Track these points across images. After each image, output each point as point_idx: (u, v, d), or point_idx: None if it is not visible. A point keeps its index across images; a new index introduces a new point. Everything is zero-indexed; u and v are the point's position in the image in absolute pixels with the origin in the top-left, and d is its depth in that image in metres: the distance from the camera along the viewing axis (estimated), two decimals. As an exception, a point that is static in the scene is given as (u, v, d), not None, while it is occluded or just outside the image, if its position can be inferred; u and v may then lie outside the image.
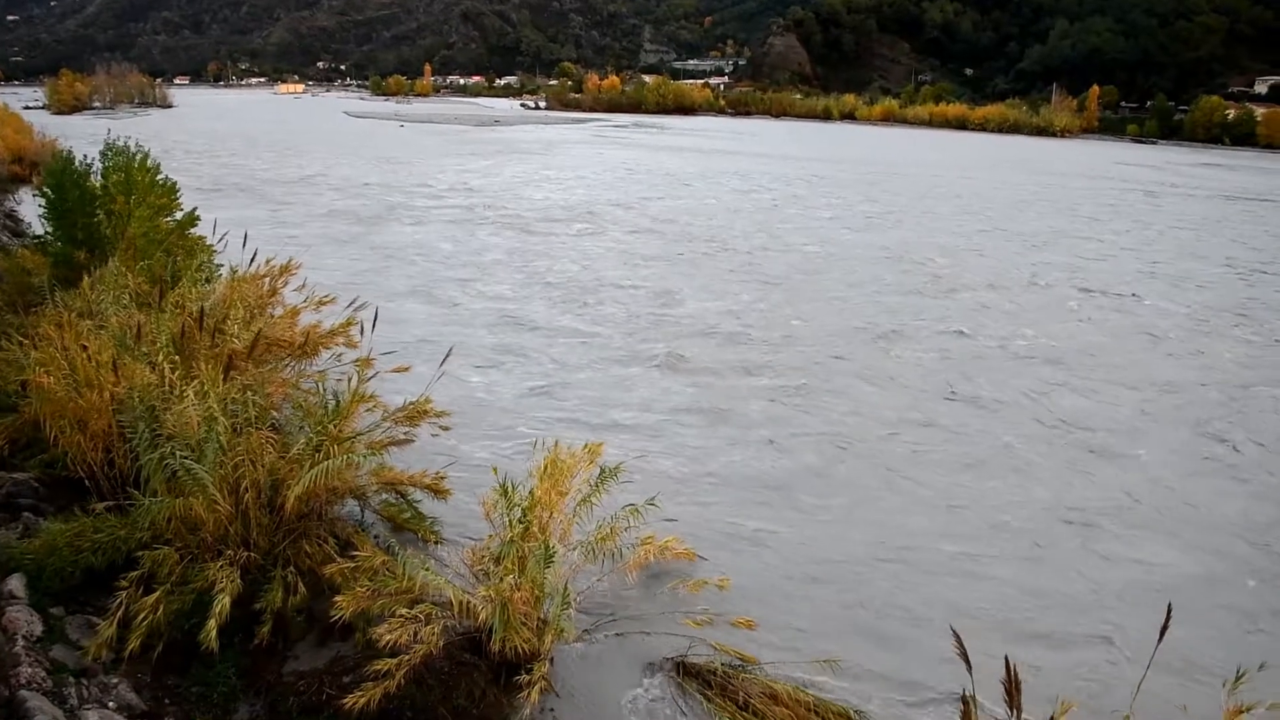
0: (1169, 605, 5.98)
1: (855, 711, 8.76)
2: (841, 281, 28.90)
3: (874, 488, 14.04)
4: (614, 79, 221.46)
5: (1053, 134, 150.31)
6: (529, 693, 7.98)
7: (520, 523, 9.24)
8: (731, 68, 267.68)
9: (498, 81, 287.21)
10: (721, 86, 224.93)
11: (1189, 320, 26.10)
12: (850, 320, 24.13)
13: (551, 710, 8.60)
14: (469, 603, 8.61)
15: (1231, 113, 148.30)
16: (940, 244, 37.14)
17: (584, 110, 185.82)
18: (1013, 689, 5.15)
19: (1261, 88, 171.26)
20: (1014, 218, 46.46)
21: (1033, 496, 13.94)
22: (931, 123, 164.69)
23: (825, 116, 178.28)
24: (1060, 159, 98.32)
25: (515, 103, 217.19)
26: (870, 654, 9.76)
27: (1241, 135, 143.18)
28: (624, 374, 18.94)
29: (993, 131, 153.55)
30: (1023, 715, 5.27)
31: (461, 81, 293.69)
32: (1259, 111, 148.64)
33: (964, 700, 4.61)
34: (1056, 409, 17.99)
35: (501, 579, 8.69)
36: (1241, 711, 5.56)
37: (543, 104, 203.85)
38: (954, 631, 5.34)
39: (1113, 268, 33.52)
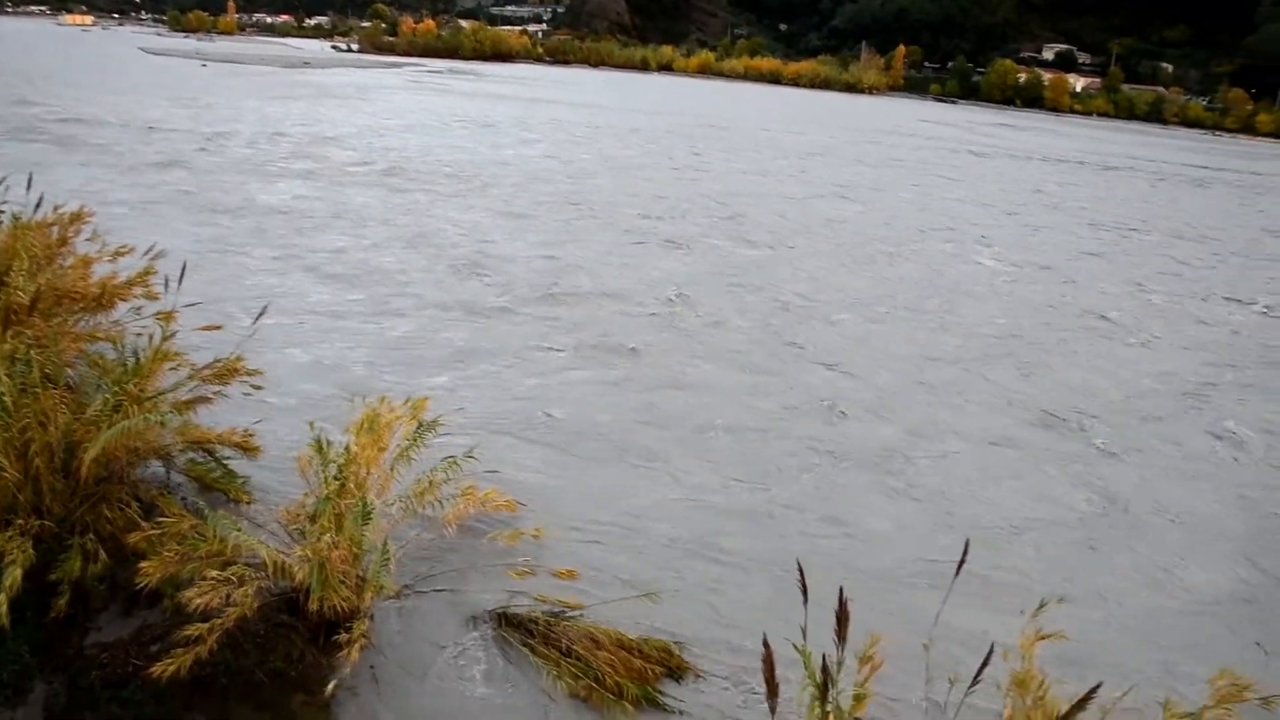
0: (966, 540, 6.33)
1: (675, 643, 9.02)
2: (715, 237, 29.25)
3: (697, 434, 14.37)
4: (429, 23, 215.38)
5: (861, 90, 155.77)
6: (349, 651, 7.86)
7: (336, 479, 9.03)
8: (549, 15, 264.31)
9: (307, 21, 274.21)
10: (540, 34, 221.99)
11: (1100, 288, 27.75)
12: (719, 279, 24.39)
13: (372, 667, 8.51)
14: (285, 563, 8.38)
15: (1023, 76, 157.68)
16: (795, 197, 38.12)
17: (398, 54, 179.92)
18: (842, 618, 5.37)
19: (1049, 54, 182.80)
20: (876, 179, 47.98)
21: (853, 435, 14.58)
22: (747, 76, 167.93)
23: (643, 67, 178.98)
24: (878, 116, 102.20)
25: (325, 44, 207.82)
26: (691, 595, 10.04)
27: (1031, 98, 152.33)
28: (466, 329, 18.67)
29: (805, 87, 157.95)
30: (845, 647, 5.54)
31: (269, 20, 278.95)
32: (1046, 76, 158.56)
33: (764, 643, 4.75)
34: (908, 366, 18.85)
35: (318, 538, 8.49)
36: (1041, 638, 5.97)
37: (355, 46, 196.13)
38: (798, 564, 5.53)
39: (997, 230, 35.27)
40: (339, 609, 8.33)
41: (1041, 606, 5.94)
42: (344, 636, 8.01)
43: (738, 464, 13.48)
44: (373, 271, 22.61)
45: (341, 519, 8.64)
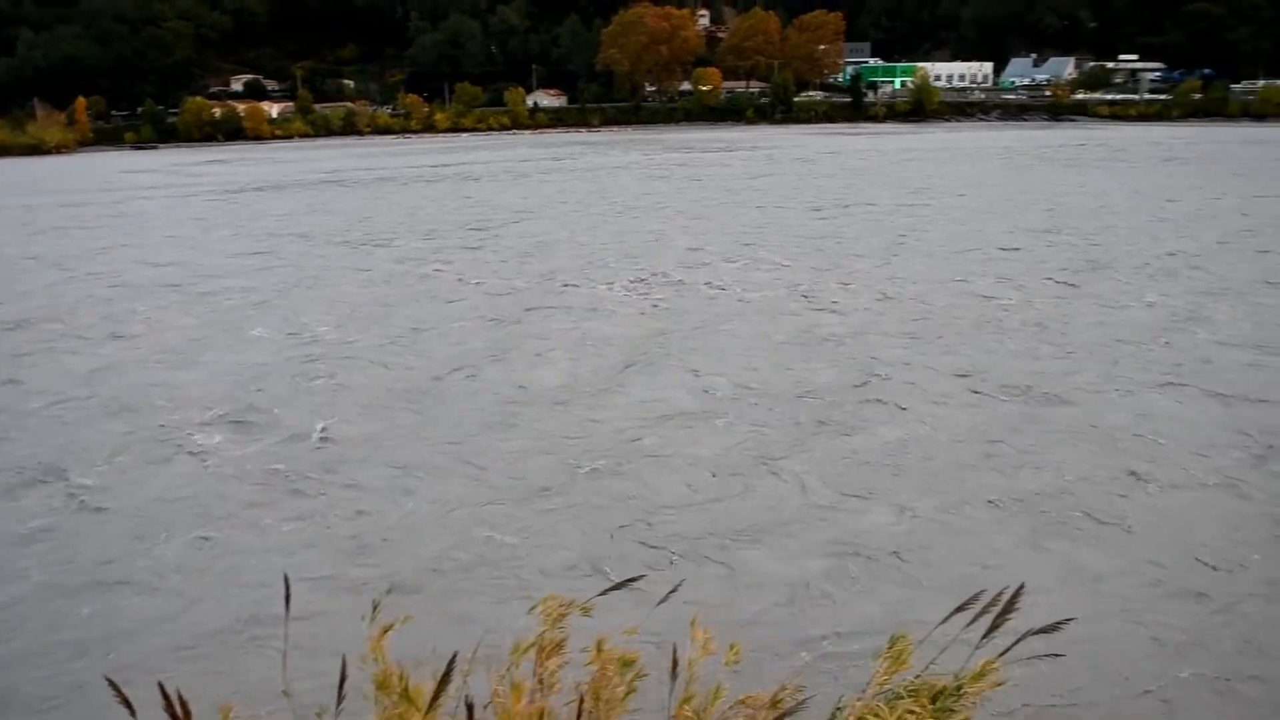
0: (285, 588, 6.24)
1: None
2: None
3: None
4: None
5: (49, 151, 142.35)
6: None
7: None
8: None
9: None
10: None
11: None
12: None
13: None
14: None
15: (218, 111, 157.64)
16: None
17: None
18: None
19: (238, 85, 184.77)
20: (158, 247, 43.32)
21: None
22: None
23: None
24: (85, 176, 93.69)
25: None
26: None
27: (232, 130, 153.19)
28: None
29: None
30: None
31: None
32: (241, 108, 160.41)
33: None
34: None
35: None
36: (387, 629, 6.13)
37: None
38: (109, 681, 5.00)
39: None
40: None
41: (376, 608, 6.14)
42: None
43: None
44: None
45: None
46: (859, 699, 3.74)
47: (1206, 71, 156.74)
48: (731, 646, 4.01)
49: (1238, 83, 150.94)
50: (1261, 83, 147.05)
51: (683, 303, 25.72)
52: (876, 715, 3.56)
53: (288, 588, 5.41)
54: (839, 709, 3.79)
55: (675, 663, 3.88)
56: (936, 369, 18.98)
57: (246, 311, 26.53)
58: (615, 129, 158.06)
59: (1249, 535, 11.68)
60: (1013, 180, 59.59)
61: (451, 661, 3.94)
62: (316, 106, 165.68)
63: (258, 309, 26.82)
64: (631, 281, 28.80)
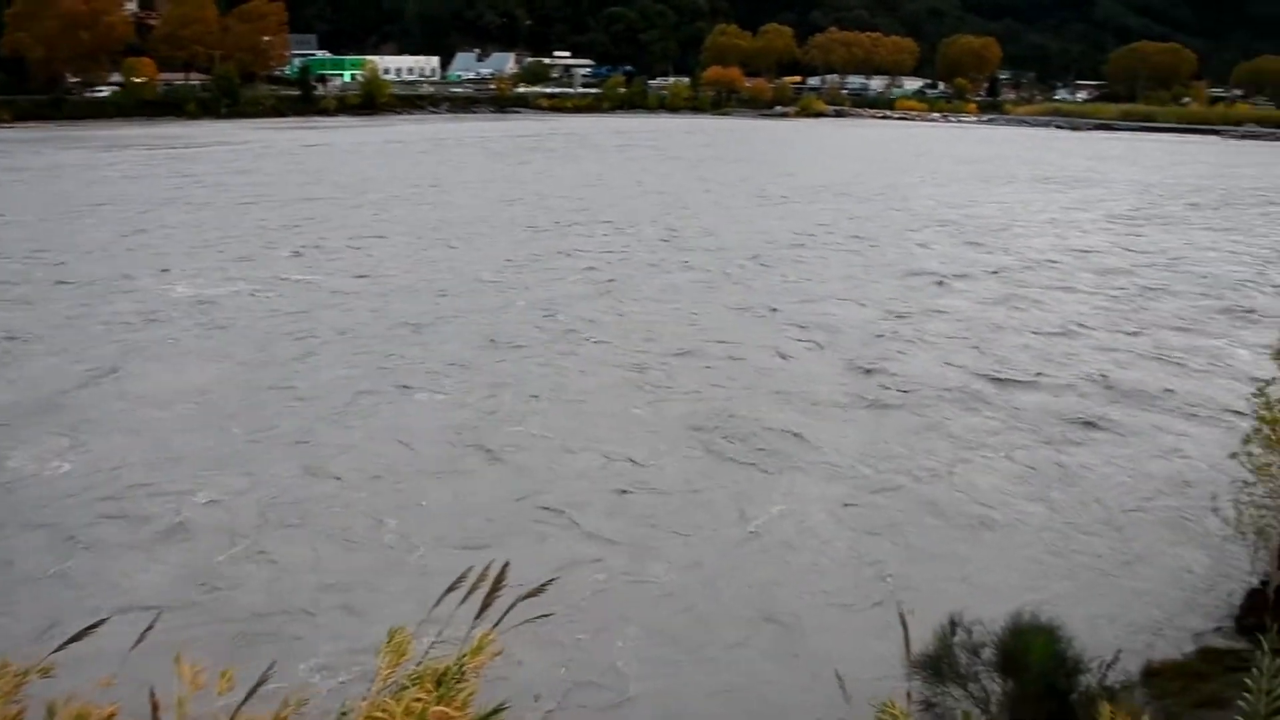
0: None
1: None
2: None
3: None
4: None
5: None
6: None
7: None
8: None
9: None
10: None
11: None
12: None
13: None
14: None
15: None
16: None
17: None
18: None
19: None
20: None
21: None
22: None
23: None
24: None
25: None
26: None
27: None
28: None
29: None
30: None
31: None
32: None
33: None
34: None
35: None
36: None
37: None
38: None
39: None
40: None
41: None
42: None
43: None
44: None
45: None
46: (364, 698, 3.55)
47: (628, 69, 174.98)
48: (224, 674, 3.49)
49: (654, 79, 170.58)
50: (672, 79, 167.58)
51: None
52: (385, 711, 3.42)
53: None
54: (343, 714, 3.54)
55: (155, 705, 3.30)
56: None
57: None
58: (34, 124, 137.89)
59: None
60: (501, 167, 63.68)
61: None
62: None
63: None
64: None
